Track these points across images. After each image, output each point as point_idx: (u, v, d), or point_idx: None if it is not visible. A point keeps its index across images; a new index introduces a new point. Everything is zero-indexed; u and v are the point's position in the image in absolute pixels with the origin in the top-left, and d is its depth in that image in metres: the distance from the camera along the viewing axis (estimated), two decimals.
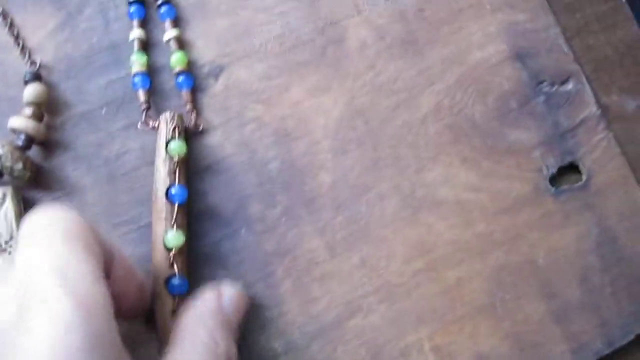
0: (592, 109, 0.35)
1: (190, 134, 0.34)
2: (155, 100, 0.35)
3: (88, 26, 0.36)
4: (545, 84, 0.36)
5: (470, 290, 0.33)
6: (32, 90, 0.34)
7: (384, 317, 0.33)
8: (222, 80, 0.35)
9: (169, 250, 0.31)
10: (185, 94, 0.34)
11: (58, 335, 0.21)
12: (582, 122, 0.35)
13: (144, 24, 0.35)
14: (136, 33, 0.35)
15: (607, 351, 0.33)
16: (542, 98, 0.35)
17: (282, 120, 0.35)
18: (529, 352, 0.33)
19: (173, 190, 0.31)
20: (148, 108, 0.34)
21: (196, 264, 0.33)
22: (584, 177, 0.35)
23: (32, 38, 0.36)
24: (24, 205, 0.34)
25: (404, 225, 0.34)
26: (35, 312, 0.21)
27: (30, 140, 0.34)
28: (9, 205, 0.33)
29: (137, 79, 0.34)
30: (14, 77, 0.36)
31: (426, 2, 0.36)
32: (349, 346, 0.33)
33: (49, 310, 0.21)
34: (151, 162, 0.35)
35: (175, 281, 0.30)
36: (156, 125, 0.33)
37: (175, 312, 0.30)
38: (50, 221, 0.25)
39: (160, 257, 0.31)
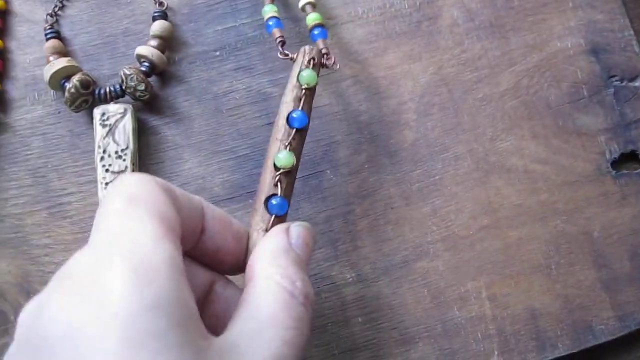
0: None
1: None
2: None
3: None
4: (615, 78, 0.39)
5: (529, 250, 0.37)
6: (159, 25, 0.39)
7: (447, 264, 0.37)
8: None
9: (277, 169, 0.31)
10: (321, 42, 0.37)
11: (118, 301, 0.20)
12: None
13: None
14: None
15: None
16: (611, 90, 0.39)
17: (375, 80, 0.39)
18: (577, 314, 0.36)
19: (294, 115, 0.32)
20: (283, 42, 0.36)
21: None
22: None
23: None
24: (138, 125, 0.38)
25: (475, 185, 0.37)
26: (97, 275, 0.21)
27: (153, 68, 0.38)
28: (128, 119, 0.37)
29: (271, 22, 0.37)
30: (141, 16, 0.40)
31: None
32: (413, 285, 0.36)
33: (107, 273, 0.21)
34: (253, 102, 0.39)
35: (275, 200, 0.30)
36: (294, 56, 0.35)
37: (267, 230, 0.31)
38: (121, 187, 0.24)
39: (267, 176, 0.31)
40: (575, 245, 0.37)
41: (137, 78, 0.37)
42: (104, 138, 0.37)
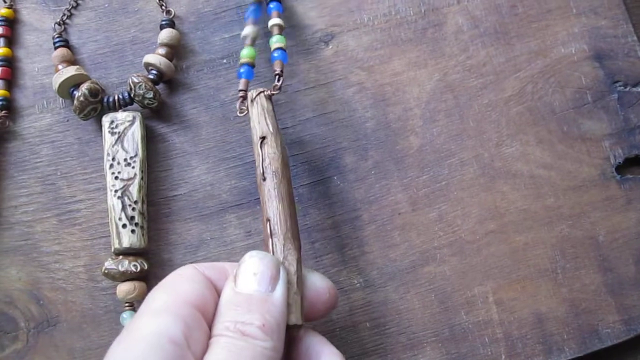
0: None
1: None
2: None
3: None
4: (619, 84, 0.40)
5: (535, 255, 0.37)
6: (167, 33, 0.39)
7: (454, 269, 0.37)
8: (332, 46, 0.40)
9: None
10: (277, 63, 0.36)
11: None
12: None
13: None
14: (248, 30, 0.38)
15: None
16: (615, 96, 0.39)
17: (381, 87, 0.39)
18: (583, 318, 0.36)
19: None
20: (244, 98, 0.36)
21: None
22: None
23: None
24: (147, 132, 0.39)
25: (481, 190, 0.38)
26: None
27: (161, 76, 0.39)
28: (136, 127, 0.38)
29: (242, 69, 0.37)
30: (149, 24, 0.41)
31: (519, 0, 0.41)
32: (421, 290, 0.37)
33: None
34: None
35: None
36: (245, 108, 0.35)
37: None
38: (162, 291, 0.28)
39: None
40: (581, 250, 0.37)
41: (145, 86, 0.38)
42: (112, 146, 0.37)
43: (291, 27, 0.40)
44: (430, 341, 0.36)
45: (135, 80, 0.38)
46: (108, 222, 0.37)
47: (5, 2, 0.42)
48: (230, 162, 0.39)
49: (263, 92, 0.34)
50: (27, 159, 0.39)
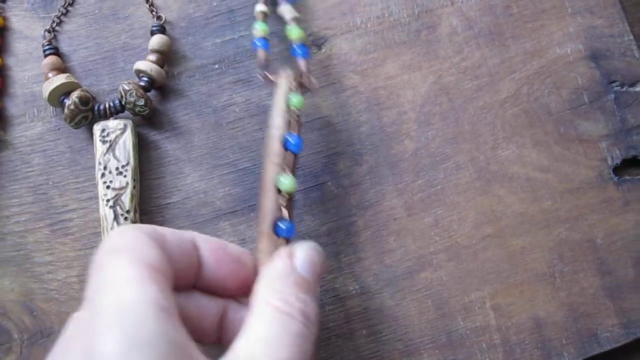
0: None
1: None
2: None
3: None
4: (616, 84, 0.39)
5: (533, 259, 0.37)
6: (157, 40, 0.39)
7: (451, 274, 0.36)
8: (325, 49, 0.40)
9: (280, 193, 0.31)
10: (301, 62, 0.37)
11: (107, 342, 0.21)
12: None
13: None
14: (260, 7, 0.39)
15: None
16: (612, 96, 0.39)
17: (375, 90, 0.39)
18: (581, 322, 0.36)
19: (291, 139, 0.32)
20: (267, 65, 0.37)
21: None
22: None
23: None
24: (139, 140, 0.38)
25: (477, 194, 0.37)
26: (87, 331, 0.23)
27: (152, 82, 0.38)
28: (128, 135, 0.37)
29: (259, 42, 0.37)
30: (139, 30, 0.40)
31: (514, 0, 0.40)
32: (417, 296, 0.36)
33: (95, 322, 0.22)
34: (254, 115, 0.39)
35: (283, 224, 0.31)
36: (275, 79, 0.35)
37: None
38: (105, 242, 0.26)
39: (269, 200, 0.31)
40: (579, 253, 0.37)
41: (136, 93, 0.37)
42: (104, 154, 0.37)
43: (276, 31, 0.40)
44: (427, 348, 0.35)
45: (126, 87, 0.37)
46: (100, 232, 0.36)
47: None
48: (224, 168, 0.38)
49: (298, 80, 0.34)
50: (19, 168, 0.39)
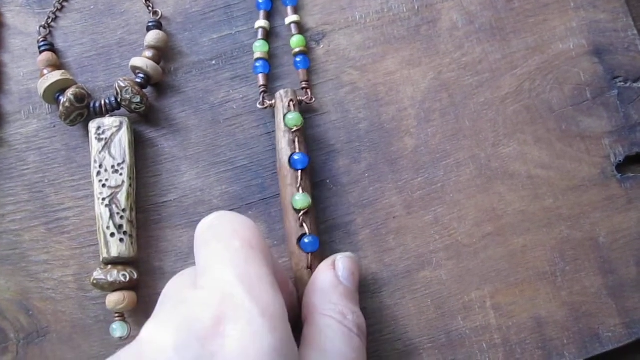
0: None
1: (303, 108, 0.38)
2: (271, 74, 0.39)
3: None
4: (619, 79, 0.38)
5: (534, 257, 0.36)
6: (154, 36, 0.38)
7: (451, 273, 0.36)
8: (323, 45, 0.39)
9: (297, 212, 0.34)
10: (301, 72, 0.38)
11: (250, 342, 0.22)
12: None
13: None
14: (261, 23, 0.38)
15: None
16: (615, 92, 0.38)
17: (374, 86, 0.38)
18: (583, 322, 0.35)
19: (295, 157, 0.34)
20: (265, 91, 0.38)
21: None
22: None
23: None
24: (135, 137, 0.38)
25: (477, 192, 0.37)
26: (229, 321, 0.23)
27: (148, 79, 0.38)
28: (124, 132, 0.37)
29: (258, 64, 0.38)
30: (135, 25, 0.40)
31: None
32: (416, 295, 0.36)
33: (241, 319, 0.23)
34: (251, 111, 0.38)
35: (307, 239, 0.34)
36: (272, 103, 0.36)
37: (309, 268, 0.34)
38: (231, 230, 0.26)
39: (290, 219, 0.34)
40: (581, 252, 0.36)
41: (132, 90, 0.37)
42: (99, 152, 0.36)
43: (280, 25, 0.39)
44: (426, 347, 0.35)
45: (122, 84, 0.37)
46: (96, 231, 0.36)
47: None
48: (221, 166, 0.38)
49: (295, 99, 0.36)
50: (14, 166, 0.38)
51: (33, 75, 0.39)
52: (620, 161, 0.37)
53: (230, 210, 0.37)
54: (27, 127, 0.39)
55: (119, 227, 0.35)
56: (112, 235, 0.35)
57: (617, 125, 0.38)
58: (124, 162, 0.36)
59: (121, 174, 0.36)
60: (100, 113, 0.37)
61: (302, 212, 0.34)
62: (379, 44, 0.39)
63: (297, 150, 0.35)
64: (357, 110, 0.38)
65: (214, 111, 0.38)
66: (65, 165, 0.38)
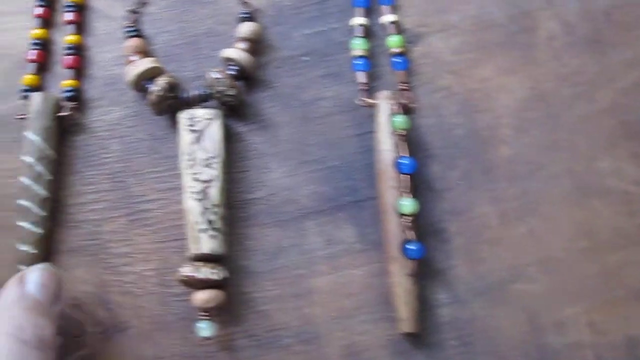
0: None
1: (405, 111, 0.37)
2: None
3: None
4: None
5: (629, 275, 0.35)
6: (248, 27, 0.37)
7: (544, 287, 0.35)
8: (419, 47, 0.38)
9: (402, 216, 0.33)
10: (400, 73, 0.37)
11: None
12: None
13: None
14: (359, 20, 0.38)
15: None
16: None
17: (470, 92, 0.38)
18: None
19: (403, 161, 0.34)
20: (367, 90, 0.37)
21: (375, 215, 0.36)
22: None
23: None
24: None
25: (572, 206, 0.36)
26: None
27: (241, 72, 0.37)
28: (217, 125, 0.36)
29: (359, 62, 0.37)
30: (225, 16, 0.39)
31: (614, 6, 0.39)
32: (509, 308, 0.35)
33: None
34: (343, 111, 0.37)
35: (412, 246, 0.33)
36: (374, 102, 0.36)
37: (411, 275, 0.33)
38: (14, 294, 0.29)
39: (394, 224, 0.34)
40: None
41: (226, 83, 0.36)
42: (191, 144, 0.35)
43: (374, 25, 0.38)
44: None
45: (216, 75, 0.36)
46: (181, 225, 0.35)
47: None
48: (310, 165, 0.37)
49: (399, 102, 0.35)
50: (96, 153, 0.37)
51: (118, 61, 0.38)
52: None
53: (320, 211, 0.36)
54: (110, 114, 0.38)
55: (210, 223, 0.34)
56: (203, 230, 0.34)
57: None
58: (216, 155, 0.35)
59: (214, 168, 0.35)
60: (189, 104, 0.36)
61: (407, 217, 0.33)
62: (474, 49, 0.38)
63: (403, 154, 0.34)
64: (452, 115, 0.37)
65: (304, 108, 0.37)
66: (149, 156, 0.37)
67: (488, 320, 0.35)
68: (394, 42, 0.37)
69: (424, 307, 0.35)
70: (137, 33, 0.38)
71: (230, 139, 0.37)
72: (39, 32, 0.38)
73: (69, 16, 0.38)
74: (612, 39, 0.38)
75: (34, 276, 0.31)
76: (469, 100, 0.37)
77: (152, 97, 0.35)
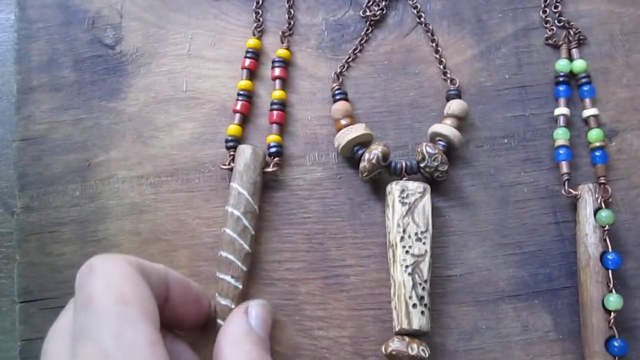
0: None
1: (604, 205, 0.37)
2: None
3: (502, 63, 0.40)
4: None
5: None
6: (458, 105, 0.38)
7: None
8: (615, 143, 0.39)
9: (608, 312, 0.34)
10: (600, 167, 0.37)
11: None
12: None
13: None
14: (562, 110, 0.38)
15: None
16: None
17: None
18: None
19: (609, 257, 0.35)
20: (569, 180, 0.37)
21: (571, 305, 0.36)
22: None
23: (451, 60, 0.40)
24: None
25: None
26: None
27: (449, 148, 0.37)
28: (427, 200, 0.36)
29: (561, 151, 0.38)
30: (429, 89, 0.40)
31: None
32: None
33: None
34: (541, 197, 0.38)
35: (617, 343, 0.34)
36: (577, 193, 0.36)
37: None
38: (103, 284, 0.25)
39: (599, 319, 0.34)
40: None
41: (440, 159, 0.36)
42: (403, 217, 0.35)
43: (574, 116, 0.39)
44: None
45: (431, 150, 0.36)
46: (378, 294, 0.35)
47: (282, 42, 0.40)
48: (509, 248, 0.37)
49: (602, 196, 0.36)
50: (295, 212, 0.37)
51: (321, 120, 0.38)
52: None
53: (517, 296, 0.36)
54: (311, 174, 0.38)
55: (421, 299, 0.34)
56: (414, 306, 0.34)
57: None
58: (427, 230, 0.35)
59: (424, 243, 0.35)
60: (398, 174, 0.37)
61: (613, 314, 0.34)
62: None
63: (610, 249, 0.35)
64: None
65: (504, 191, 0.38)
66: (349, 221, 0.37)
67: None
68: (594, 135, 0.38)
69: None
70: (344, 96, 0.38)
71: (432, 213, 0.37)
72: (245, 83, 0.38)
73: (277, 72, 0.38)
74: None
75: (257, 311, 0.31)
76: None
77: (366, 164, 0.36)
